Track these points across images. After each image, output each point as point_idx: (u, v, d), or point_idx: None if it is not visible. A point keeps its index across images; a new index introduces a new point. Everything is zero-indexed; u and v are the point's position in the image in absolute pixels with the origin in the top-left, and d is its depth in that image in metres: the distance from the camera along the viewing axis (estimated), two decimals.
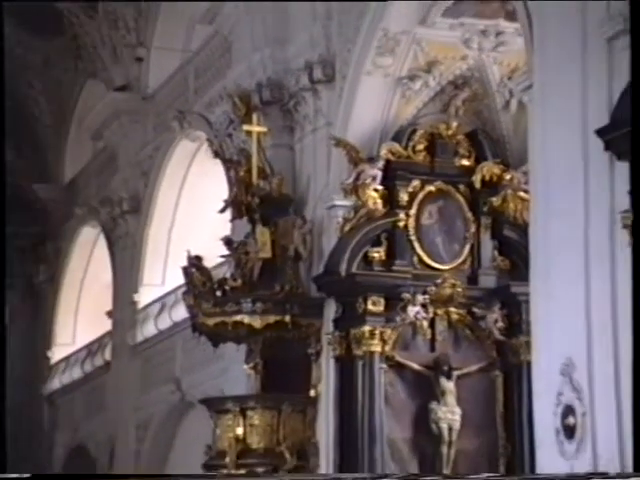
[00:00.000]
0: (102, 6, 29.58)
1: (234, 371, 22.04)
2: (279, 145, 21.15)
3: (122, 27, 29.70)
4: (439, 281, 18.87)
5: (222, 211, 20.97)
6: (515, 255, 19.14)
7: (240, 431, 19.67)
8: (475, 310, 19.21)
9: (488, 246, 19.46)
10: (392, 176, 19.19)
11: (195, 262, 20.34)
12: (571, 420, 13.11)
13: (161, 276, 28.59)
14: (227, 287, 20.16)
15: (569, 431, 13.13)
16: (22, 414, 34.18)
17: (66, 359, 34.79)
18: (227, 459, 19.65)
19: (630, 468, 12.44)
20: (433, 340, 19.04)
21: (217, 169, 22.97)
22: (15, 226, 31.67)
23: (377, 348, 18.63)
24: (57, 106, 35.18)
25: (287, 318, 19.54)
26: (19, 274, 35.10)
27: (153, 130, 29.25)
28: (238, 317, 19.62)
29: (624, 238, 12.47)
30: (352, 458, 18.70)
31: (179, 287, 24.07)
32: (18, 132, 34.40)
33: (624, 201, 12.40)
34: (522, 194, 18.21)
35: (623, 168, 12.51)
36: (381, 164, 19.12)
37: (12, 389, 32.09)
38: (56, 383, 34.97)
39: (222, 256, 21.10)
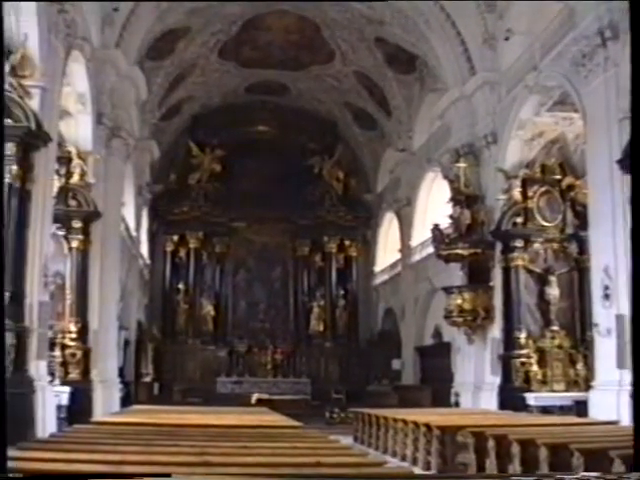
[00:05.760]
0: (395, 112, 32.68)
1: (455, 275, 24.17)
2: (473, 172, 23.45)
3: (395, 138, 32.53)
4: (548, 232, 21.64)
5: (448, 202, 23.49)
6: (582, 219, 20.49)
7: (459, 301, 22.82)
8: (564, 244, 21.67)
9: (569, 215, 21.63)
10: (524, 185, 21.67)
11: (436, 227, 23.55)
12: (607, 292, 16.43)
13: (421, 232, 30.54)
14: (450, 237, 23.07)
15: (606, 297, 16.47)
16: (364, 295, 37.63)
17: (381, 271, 37.07)
18: (453, 313, 22.96)
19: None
20: (546, 258, 21.63)
21: (443, 183, 25.40)
22: (360, 212, 37.12)
23: (520, 262, 21.46)
24: (374, 159, 37.06)
25: (479, 250, 22.64)
26: (360, 234, 37.99)
27: (417, 168, 31.49)
28: (456, 250, 22.85)
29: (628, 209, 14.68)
30: (510, 311, 21.50)
31: (429, 238, 26.18)
32: (360, 174, 37.90)
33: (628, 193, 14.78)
34: (584, 190, 20.04)
35: (627, 178, 14.73)
36: (520, 179, 21.69)
37: (364, 281, 36.61)
38: (377, 281, 37.47)
39: (448, 224, 23.67)
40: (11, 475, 6.52)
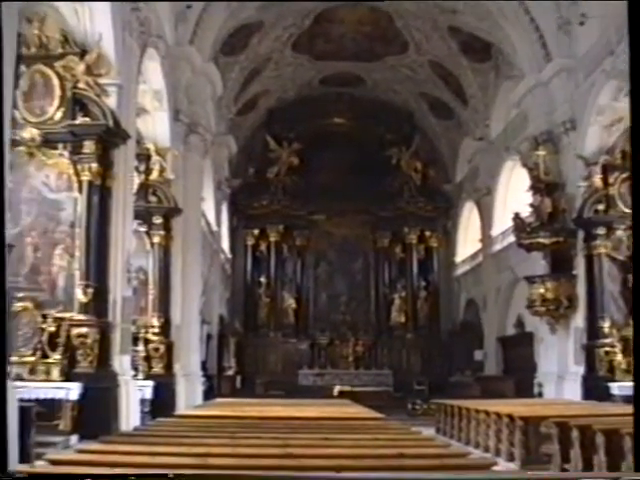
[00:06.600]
0: (471, 101, 32.71)
1: (537, 264, 24.15)
2: (552, 159, 23.31)
3: (472, 127, 32.71)
4: (630, 218, 22.71)
5: (528, 190, 23.38)
6: None
7: (542, 290, 22.81)
8: None
9: None
10: (605, 171, 21.57)
11: (517, 215, 23.42)
12: None
13: (502, 222, 30.16)
14: (532, 226, 22.94)
15: None
16: (445, 286, 37.44)
17: (462, 262, 36.76)
18: (536, 302, 22.88)
19: None
20: (629, 246, 19.72)
21: (523, 172, 25.02)
22: (440, 202, 36.94)
23: (603, 250, 21.45)
24: (452, 149, 36.83)
25: (561, 239, 22.63)
26: (440, 225, 37.55)
27: (496, 156, 31.16)
28: (538, 239, 22.82)
29: None
30: (593, 300, 21.46)
31: (510, 227, 26.01)
32: (438, 164, 37.71)
33: None
34: None
35: None
36: (600, 166, 21.59)
37: (445, 272, 36.53)
38: (458, 272, 37.16)
39: (529, 212, 23.38)
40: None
